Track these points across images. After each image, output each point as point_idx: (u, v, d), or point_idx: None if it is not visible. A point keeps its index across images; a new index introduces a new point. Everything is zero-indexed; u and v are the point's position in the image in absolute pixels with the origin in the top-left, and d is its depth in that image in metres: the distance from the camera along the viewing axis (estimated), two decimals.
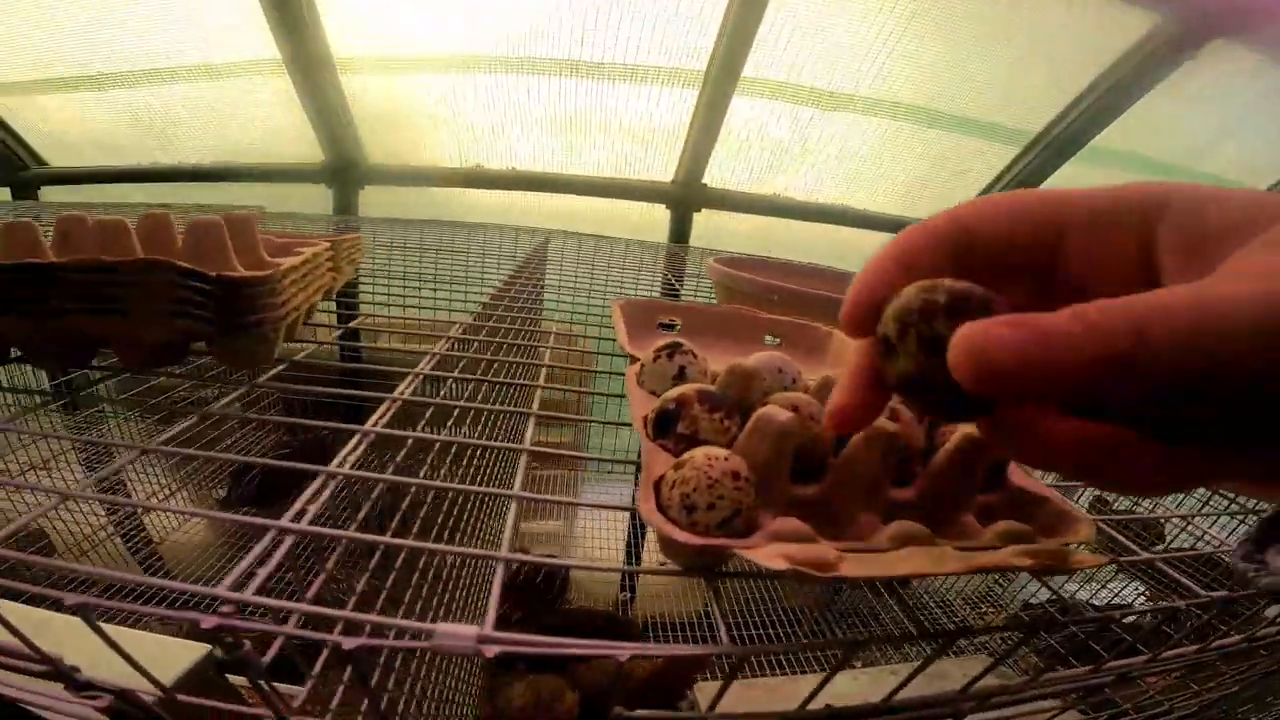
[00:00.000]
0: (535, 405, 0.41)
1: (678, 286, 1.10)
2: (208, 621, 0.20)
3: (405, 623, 0.21)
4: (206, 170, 1.31)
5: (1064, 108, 1.24)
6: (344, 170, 1.34)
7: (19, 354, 0.36)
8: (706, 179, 1.47)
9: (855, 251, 1.62)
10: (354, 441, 0.30)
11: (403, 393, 0.37)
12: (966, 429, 0.28)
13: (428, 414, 0.37)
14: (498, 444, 0.47)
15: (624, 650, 0.20)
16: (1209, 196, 0.16)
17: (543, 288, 1.14)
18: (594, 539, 1.64)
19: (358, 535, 0.25)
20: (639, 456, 0.29)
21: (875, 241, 1.59)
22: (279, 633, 0.21)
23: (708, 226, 1.55)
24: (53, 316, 0.32)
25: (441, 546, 0.28)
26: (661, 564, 0.27)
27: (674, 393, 0.29)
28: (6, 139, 1.27)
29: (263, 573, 0.22)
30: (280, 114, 1.25)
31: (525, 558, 0.28)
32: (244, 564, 0.22)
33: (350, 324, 0.64)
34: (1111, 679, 0.30)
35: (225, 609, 0.20)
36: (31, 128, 1.29)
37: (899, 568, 0.22)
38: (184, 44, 1.14)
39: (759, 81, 1.27)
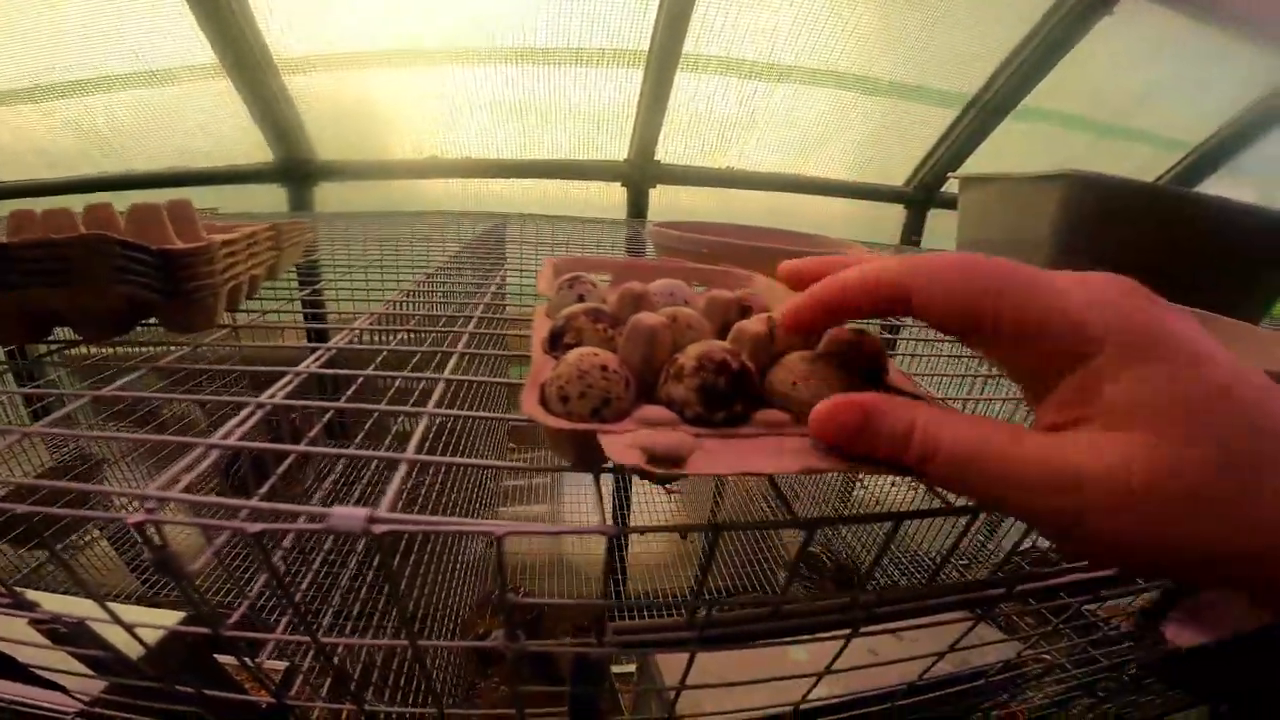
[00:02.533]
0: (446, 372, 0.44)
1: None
2: (132, 518, 0.24)
3: (304, 508, 0.25)
4: (157, 176, 1.32)
5: (995, 69, 1.30)
6: (295, 169, 1.36)
7: None
8: (660, 155, 1.51)
9: (810, 217, 1.68)
10: (280, 383, 0.34)
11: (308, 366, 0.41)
12: (839, 332, 0.32)
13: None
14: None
15: (500, 528, 0.24)
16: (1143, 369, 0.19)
17: (504, 272, 1.18)
18: (581, 517, 1.70)
19: (273, 446, 0.29)
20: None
21: (828, 207, 1.65)
22: (202, 524, 0.25)
23: (664, 203, 1.60)
24: (11, 289, 0.35)
25: (346, 451, 0.31)
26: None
27: (564, 311, 0.33)
28: None
29: (186, 478, 0.26)
30: (226, 116, 1.27)
31: (431, 459, 0.31)
32: (173, 470, 0.26)
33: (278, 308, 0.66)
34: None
35: (149, 505, 0.24)
36: None
37: (741, 465, 0.25)
38: (118, 53, 1.15)
39: (702, 58, 1.31)
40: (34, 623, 0.34)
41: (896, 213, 1.66)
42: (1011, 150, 1.52)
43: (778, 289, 0.54)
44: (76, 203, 1.23)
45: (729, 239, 0.69)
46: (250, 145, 1.33)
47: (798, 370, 0.29)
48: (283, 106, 1.24)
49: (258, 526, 0.24)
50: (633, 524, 1.56)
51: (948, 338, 0.26)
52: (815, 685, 0.38)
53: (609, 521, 0.31)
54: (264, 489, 0.36)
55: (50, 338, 0.42)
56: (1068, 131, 1.52)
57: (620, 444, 0.25)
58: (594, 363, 0.27)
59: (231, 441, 0.28)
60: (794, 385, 0.29)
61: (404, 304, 0.65)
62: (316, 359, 0.39)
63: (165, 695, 0.33)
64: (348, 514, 0.24)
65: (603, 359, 0.28)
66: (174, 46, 1.14)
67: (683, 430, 0.27)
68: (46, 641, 0.34)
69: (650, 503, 1.65)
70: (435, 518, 0.26)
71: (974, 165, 1.50)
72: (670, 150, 1.51)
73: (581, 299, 0.37)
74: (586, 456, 0.27)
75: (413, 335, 0.57)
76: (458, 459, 0.32)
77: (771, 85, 1.38)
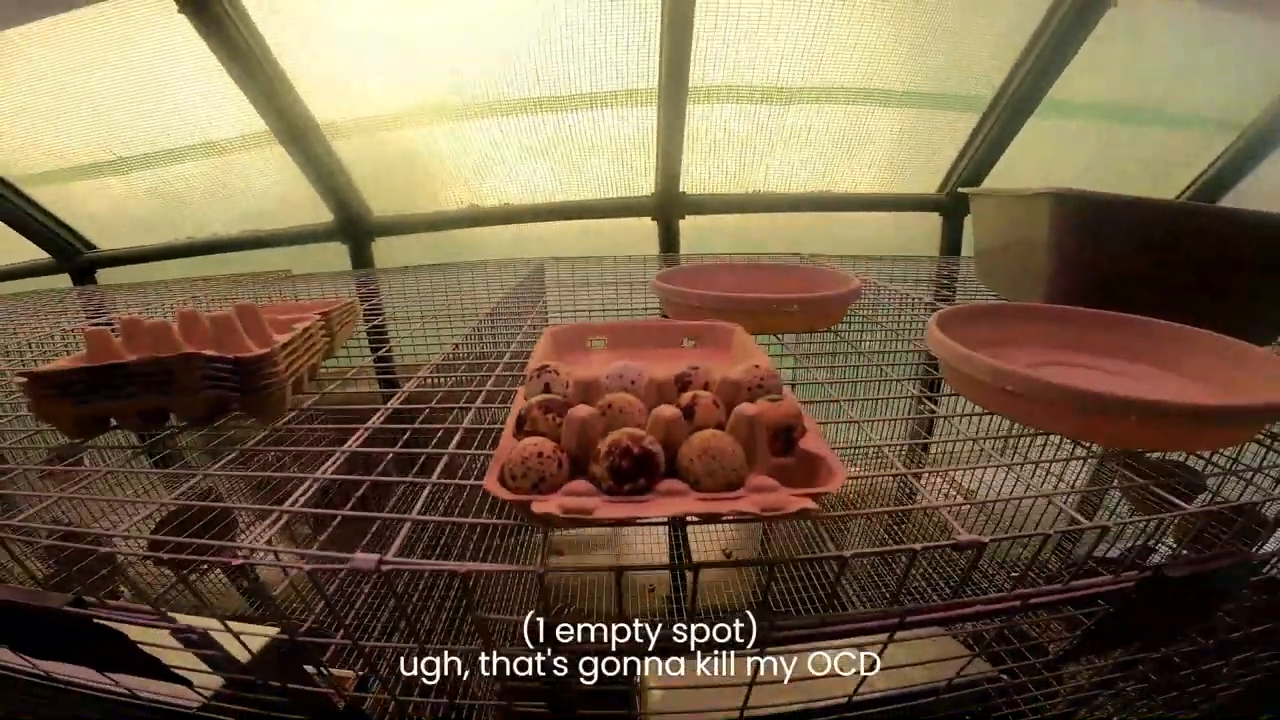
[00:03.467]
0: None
1: None
2: (235, 561, 0.36)
3: (336, 554, 0.36)
4: (233, 241, 1.54)
5: (1010, 69, 1.31)
6: (352, 226, 1.55)
7: (115, 423, 0.54)
8: (685, 186, 1.59)
9: (843, 234, 1.71)
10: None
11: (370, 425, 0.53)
12: (749, 409, 0.40)
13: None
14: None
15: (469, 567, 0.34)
16: None
17: (545, 312, 1.30)
18: (640, 540, 1.78)
19: (341, 476, 0.41)
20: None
21: (861, 222, 1.68)
22: (275, 564, 0.36)
23: (695, 231, 1.68)
24: (130, 397, 0.49)
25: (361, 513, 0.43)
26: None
27: (524, 404, 0.43)
28: (57, 229, 1.53)
29: (274, 528, 0.38)
30: (286, 180, 1.46)
31: (426, 518, 0.42)
32: (265, 523, 0.38)
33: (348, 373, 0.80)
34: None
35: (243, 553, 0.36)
36: (74, 215, 1.54)
37: (628, 515, 0.35)
38: (182, 126, 1.35)
39: (711, 88, 1.40)
40: (174, 633, 0.47)
41: (933, 223, 1.66)
42: (1046, 147, 1.51)
43: (750, 345, 0.62)
44: (171, 268, 1.47)
45: (716, 291, 0.77)
46: (312, 206, 1.53)
47: (695, 448, 0.38)
48: (331, 169, 1.42)
49: (309, 566, 0.36)
50: (695, 559, 1.62)
51: None
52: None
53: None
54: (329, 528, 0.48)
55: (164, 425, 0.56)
56: (1107, 123, 1.49)
57: (544, 505, 0.35)
58: (532, 451, 0.37)
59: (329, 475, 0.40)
60: (690, 461, 0.38)
61: (455, 355, 0.78)
62: (383, 414, 0.51)
63: (263, 689, 0.46)
64: (365, 558, 0.35)
65: (540, 448, 0.38)
66: (231, 118, 1.33)
67: (596, 497, 0.36)
68: (180, 646, 0.47)
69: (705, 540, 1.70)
70: (425, 562, 0.37)
71: (1010, 164, 1.50)
72: (695, 180, 1.59)
73: (547, 387, 0.47)
74: (531, 516, 0.37)
75: (463, 378, 0.69)
76: (449, 518, 0.43)
77: (783, 107, 1.44)
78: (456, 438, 0.52)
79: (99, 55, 1.20)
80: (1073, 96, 1.39)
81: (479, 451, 0.50)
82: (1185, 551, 0.92)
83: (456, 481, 0.43)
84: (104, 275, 1.64)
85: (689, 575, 0.38)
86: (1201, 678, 0.65)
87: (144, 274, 1.60)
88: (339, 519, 0.49)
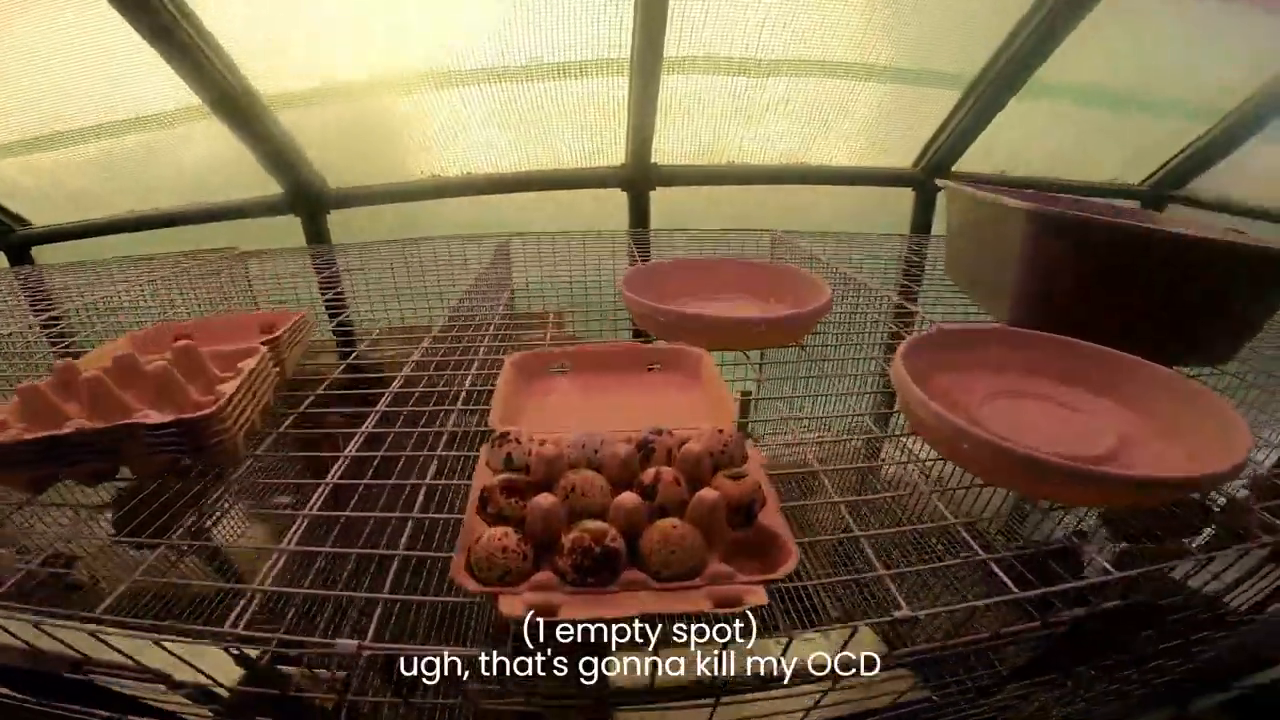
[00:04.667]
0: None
1: None
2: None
3: (316, 640, 0.37)
4: (178, 214, 1.46)
5: (996, 48, 1.28)
6: (306, 199, 1.48)
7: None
8: (657, 157, 1.55)
9: (818, 208, 1.70)
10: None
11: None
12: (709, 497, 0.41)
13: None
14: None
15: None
16: None
17: (511, 291, 1.28)
18: None
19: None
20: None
21: (836, 197, 1.66)
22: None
23: (667, 204, 1.64)
24: (76, 464, 0.48)
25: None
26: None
27: (487, 484, 0.43)
28: None
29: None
30: (233, 152, 1.37)
31: (396, 598, 0.43)
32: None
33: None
34: None
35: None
36: (4, 193, 1.45)
37: (591, 613, 0.36)
38: (117, 100, 1.26)
39: (686, 59, 1.34)
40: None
41: (908, 198, 1.66)
42: (1026, 127, 1.50)
43: (715, 381, 0.62)
44: (111, 245, 1.40)
45: (682, 298, 0.76)
46: (262, 178, 1.45)
47: (655, 540, 0.39)
48: (277, 141, 1.34)
49: (295, 652, 0.36)
50: None
51: None
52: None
53: None
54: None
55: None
56: (1088, 108, 1.48)
57: (511, 602, 0.36)
58: (497, 546, 0.38)
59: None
60: (651, 551, 0.39)
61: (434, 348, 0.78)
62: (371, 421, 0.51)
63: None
64: (345, 643, 0.36)
65: (504, 542, 0.38)
66: (166, 91, 1.23)
67: (561, 591, 0.37)
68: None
69: None
70: (407, 646, 0.38)
71: (985, 144, 1.49)
72: (668, 151, 1.55)
73: (509, 459, 0.47)
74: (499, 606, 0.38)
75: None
76: (418, 596, 0.43)
77: (761, 79, 1.39)
78: (432, 469, 0.52)
79: (21, 31, 1.10)
80: (1055, 78, 1.37)
81: (459, 482, 0.51)
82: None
83: (430, 554, 0.44)
84: (41, 253, 1.55)
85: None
86: (1115, 682, 0.72)
87: (84, 251, 1.51)
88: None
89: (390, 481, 0.51)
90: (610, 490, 0.43)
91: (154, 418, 0.49)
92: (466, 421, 0.58)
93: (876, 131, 1.55)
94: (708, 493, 0.41)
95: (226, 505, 1.14)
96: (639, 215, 1.61)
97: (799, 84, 1.41)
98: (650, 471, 0.44)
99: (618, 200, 1.63)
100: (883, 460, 1.31)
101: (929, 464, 0.65)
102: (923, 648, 0.46)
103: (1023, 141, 1.55)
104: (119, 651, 0.40)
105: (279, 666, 0.57)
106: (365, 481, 0.50)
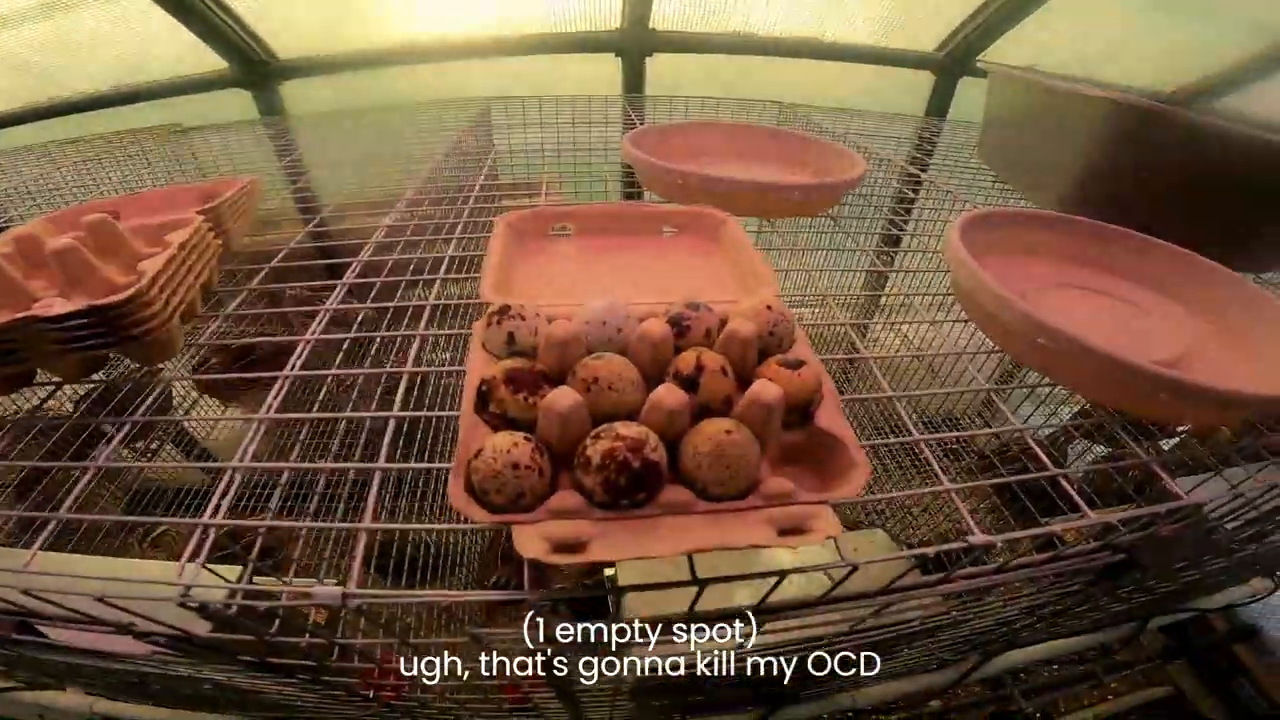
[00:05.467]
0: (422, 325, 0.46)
1: None
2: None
3: (292, 589, 0.29)
4: (108, 97, 1.25)
5: None
6: (253, 70, 1.27)
7: None
8: (656, 23, 1.36)
9: (830, 86, 1.53)
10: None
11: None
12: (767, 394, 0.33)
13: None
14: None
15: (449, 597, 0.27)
16: None
17: (494, 161, 1.14)
18: None
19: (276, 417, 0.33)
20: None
21: (850, 74, 1.49)
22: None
23: (665, 73, 1.46)
24: None
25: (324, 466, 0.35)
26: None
27: (486, 373, 0.34)
28: None
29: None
30: (163, 24, 1.16)
31: (387, 526, 0.35)
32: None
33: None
34: None
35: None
36: None
37: (633, 551, 0.28)
38: None
39: None
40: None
41: (925, 81, 1.50)
42: (1059, 24, 1.33)
43: (744, 247, 0.53)
44: (31, 134, 1.18)
45: (705, 170, 0.64)
46: (208, 54, 1.23)
47: (704, 451, 0.31)
48: (216, 10, 1.12)
49: (264, 605, 0.29)
50: None
51: None
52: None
53: None
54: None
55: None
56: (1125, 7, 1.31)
57: (528, 537, 0.28)
58: (507, 461, 0.29)
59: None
60: (698, 466, 0.30)
61: (409, 214, 0.67)
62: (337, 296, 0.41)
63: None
64: (326, 591, 0.29)
65: (515, 456, 0.29)
66: None
67: (589, 517, 0.29)
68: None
69: None
70: (399, 592, 0.30)
71: (1017, 37, 1.33)
72: (669, 15, 1.36)
73: (510, 337, 0.37)
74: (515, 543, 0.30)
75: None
76: (408, 525, 0.35)
77: None
78: (414, 349, 0.43)
79: None
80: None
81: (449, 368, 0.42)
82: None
83: (421, 465, 0.35)
84: None
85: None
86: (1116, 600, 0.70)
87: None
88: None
89: (362, 370, 0.41)
90: (642, 382, 0.35)
91: (58, 307, 0.38)
92: (451, 295, 0.48)
93: (896, 10, 1.36)
94: (766, 388, 0.32)
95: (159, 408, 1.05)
96: (634, 84, 1.43)
97: None
98: (688, 357, 0.35)
99: (609, 74, 1.44)
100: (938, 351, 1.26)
101: (984, 354, 0.57)
102: (981, 570, 0.41)
103: (1051, 39, 1.39)
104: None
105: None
106: (334, 371, 0.40)
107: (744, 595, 0.45)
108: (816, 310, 0.91)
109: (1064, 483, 0.44)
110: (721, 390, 0.34)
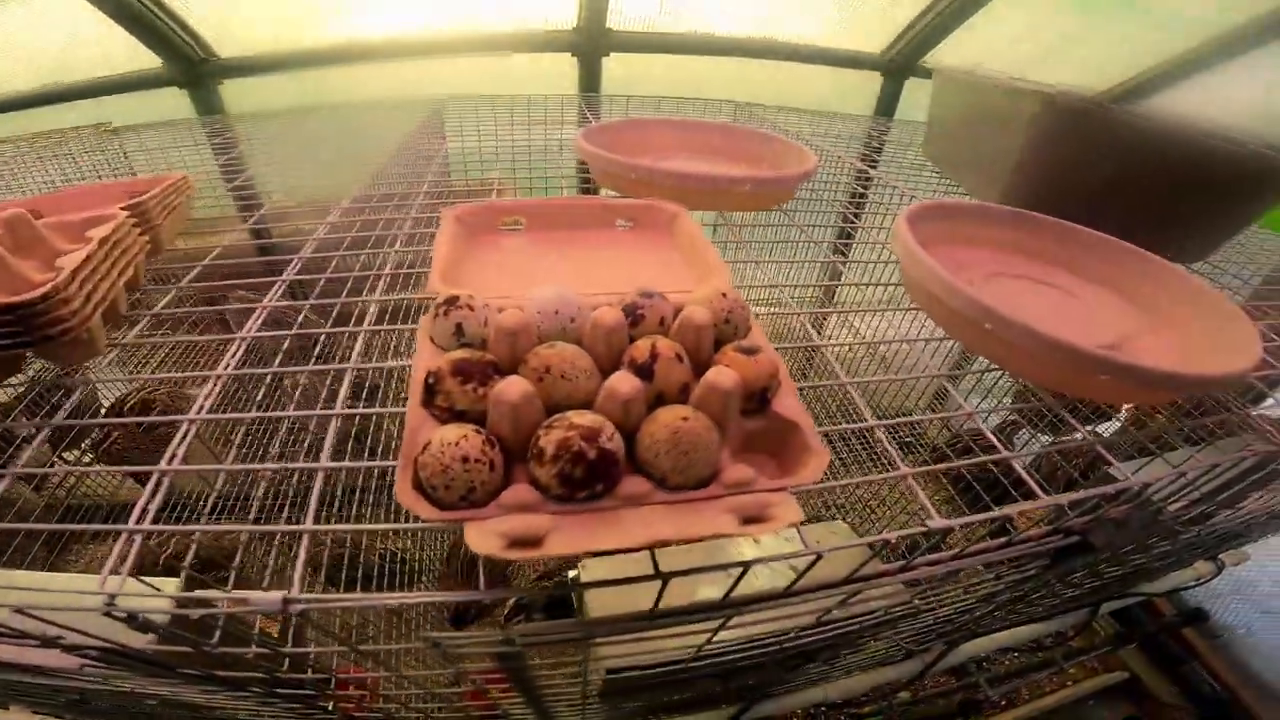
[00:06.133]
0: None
1: None
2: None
3: (228, 594, 0.27)
4: (33, 96, 1.17)
5: None
6: (190, 70, 1.21)
7: None
8: (613, 22, 1.35)
9: (785, 88, 1.55)
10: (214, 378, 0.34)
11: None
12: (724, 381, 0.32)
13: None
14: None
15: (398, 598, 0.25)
16: None
17: (444, 161, 1.10)
18: None
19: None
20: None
21: (801, 75, 1.52)
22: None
23: (621, 73, 1.46)
24: None
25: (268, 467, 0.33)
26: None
27: (433, 365, 0.32)
28: None
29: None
30: (94, 22, 1.10)
31: (328, 528, 0.33)
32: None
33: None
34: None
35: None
36: None
37: (592, 544, 0.27)
38: None
39: None
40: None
41: (874, 82, 1.53)
42: (999, 27, 1.38)
43: (698, 240, 0.52)
44: None
45: (652, 156, 0.64)
46: (132, 50, 1.17)
47: (661, 439, 0.30)
48: (148, 5, 1.07)
49: (199, 612, 0.27)
50: None
51: None
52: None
53: None
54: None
55: None
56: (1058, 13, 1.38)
57: (482, 533, 0.27)
58: (455, 455, 0.28)
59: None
60: (656, 455, 0.30)
61: (353, 215, 0.64)
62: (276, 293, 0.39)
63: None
64: (266, 597, 0.27)
65: (464, 449, 0.28)
66: None
67: (545, 511, 0.28)
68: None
69: None
70: (345, 595, 0.28)
71: (960, 40, 1.38)
72: (625, 15, 1.35)
73: (459, 328, 0.36)
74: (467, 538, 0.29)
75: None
76: (353, 526, 0.33)
77: None
78: (358, 348, 0.41)
79: None
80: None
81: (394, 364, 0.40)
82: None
83: (365, 464, 0.33)
84: None
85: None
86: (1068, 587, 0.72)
87: None
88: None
89: (306, 368, 0.39)
90: (596, 371, 0.34)
91: None
92: (397, 295, 0.46)
93: (850, 11, 1.40)
94: (723, 374, 0.32)
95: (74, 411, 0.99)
96: (590, 84, 1.43)
97: None
98: (642, 345, 0.34)
99: (564, 73, 1.43)
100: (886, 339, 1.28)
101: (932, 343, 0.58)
102: (941, 556, 0.41)
103: (993, 42, 1.45)
104: None
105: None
106: (272, 370, 0.38)
107: (709, 590, 0.45)
108: (772, 305, 0.92)
109: (1016, 466, 0.45)
110: (677, 377, 0.34)
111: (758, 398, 0.35)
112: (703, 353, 0.37)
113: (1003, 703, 1.60)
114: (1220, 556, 1.18)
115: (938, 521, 0.35)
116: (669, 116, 1.20)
